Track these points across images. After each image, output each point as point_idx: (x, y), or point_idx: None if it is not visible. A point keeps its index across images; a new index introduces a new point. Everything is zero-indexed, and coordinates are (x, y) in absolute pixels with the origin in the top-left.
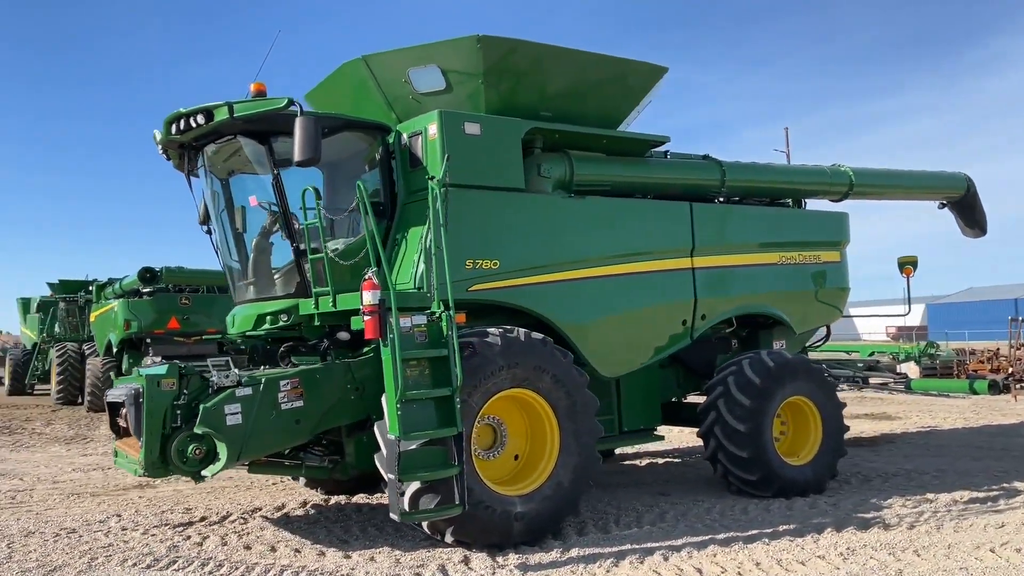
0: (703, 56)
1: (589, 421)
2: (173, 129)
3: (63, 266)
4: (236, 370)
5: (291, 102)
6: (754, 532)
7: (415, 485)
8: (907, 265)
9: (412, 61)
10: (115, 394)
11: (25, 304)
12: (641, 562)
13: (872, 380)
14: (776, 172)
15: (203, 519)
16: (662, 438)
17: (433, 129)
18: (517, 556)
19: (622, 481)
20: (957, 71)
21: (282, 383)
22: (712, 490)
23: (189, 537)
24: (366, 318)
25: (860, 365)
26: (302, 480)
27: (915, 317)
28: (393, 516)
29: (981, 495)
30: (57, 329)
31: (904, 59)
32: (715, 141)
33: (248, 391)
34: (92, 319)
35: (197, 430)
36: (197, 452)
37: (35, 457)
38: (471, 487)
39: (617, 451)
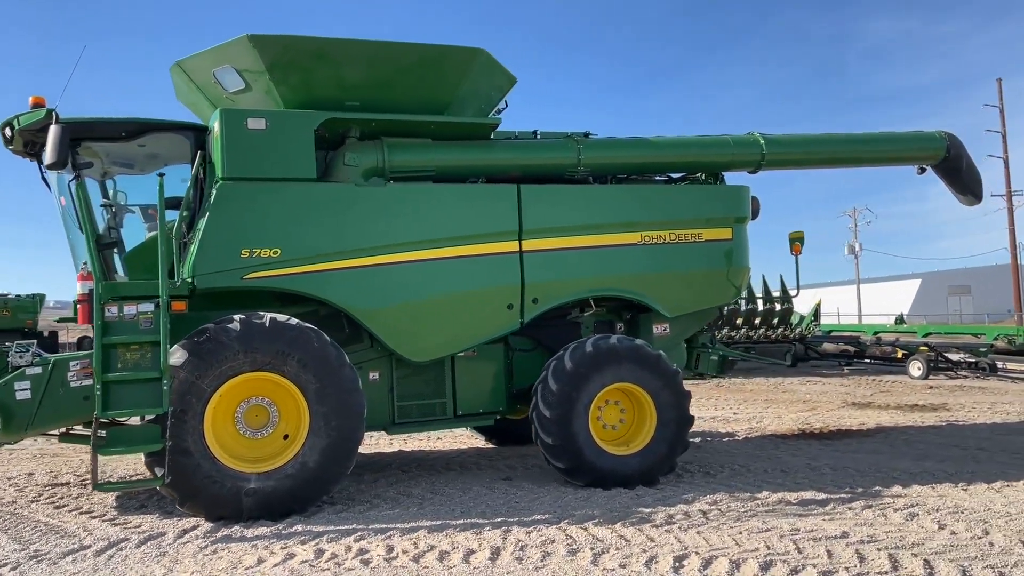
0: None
1: (345, 403)
2: (1, 140)
3: None
4: (31, 352)
5: (50, 113)
6: (498, 520)
7: (144, 457)
8: (795, 242)
9: (212, 63)
10: None
11: None
12: (331, 542)
13: (1008, 365)
14: (653, 147)
15: (82, 482)
16: (492, 423)
17: (217, 126)
18: (230, 530)
19: (484, 464)
20: None
21: (72, 364)
22: (555, 477)
23: (37, 497)
24: (79, 306)
25: (983, 350)
26: None
27: None
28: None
29: (823, 496)
30: None
31: None
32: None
33: (38, 370)
34: None
35: None
36: None
37: None
38: (200, 463)
39: None
